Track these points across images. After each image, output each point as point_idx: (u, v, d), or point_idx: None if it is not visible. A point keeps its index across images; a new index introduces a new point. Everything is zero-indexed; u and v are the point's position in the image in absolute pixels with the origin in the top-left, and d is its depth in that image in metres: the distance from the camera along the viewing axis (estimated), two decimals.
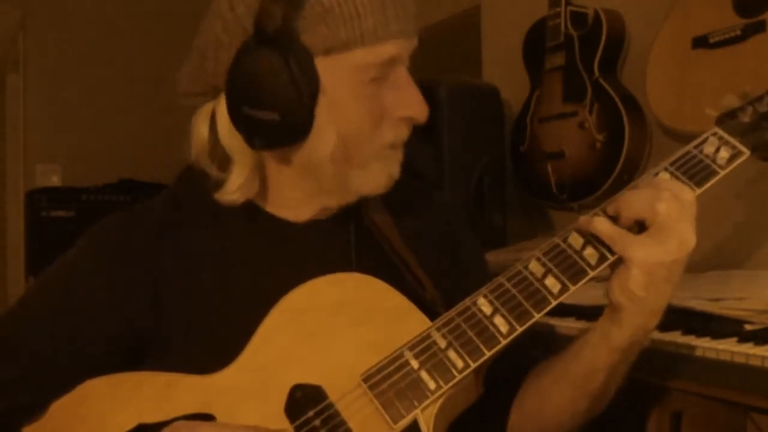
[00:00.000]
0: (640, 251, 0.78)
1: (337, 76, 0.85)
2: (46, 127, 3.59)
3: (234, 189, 0.91)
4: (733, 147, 0.87)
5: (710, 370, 1.03)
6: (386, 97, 0.88)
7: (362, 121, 0.87)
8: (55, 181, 3.57)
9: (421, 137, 1.98)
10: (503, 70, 2.24)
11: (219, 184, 0.91)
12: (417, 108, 0.88)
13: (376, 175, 0.90)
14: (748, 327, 1.07)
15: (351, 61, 0.84)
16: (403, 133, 0.91)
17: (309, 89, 0.84)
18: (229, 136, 0.89)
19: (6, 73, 3.71)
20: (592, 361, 0.86)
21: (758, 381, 0.97)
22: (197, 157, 0.92)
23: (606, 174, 1.78)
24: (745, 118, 0.91)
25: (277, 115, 0.84)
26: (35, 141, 3.60)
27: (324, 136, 0.87)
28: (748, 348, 0.99)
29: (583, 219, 0.83)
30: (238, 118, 0.86)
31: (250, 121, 0.85)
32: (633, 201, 0.81)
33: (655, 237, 0.78)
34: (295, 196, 0.94)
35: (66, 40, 3.61)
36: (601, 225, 0.81)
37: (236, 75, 0.85)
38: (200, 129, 0.92)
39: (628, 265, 0.79)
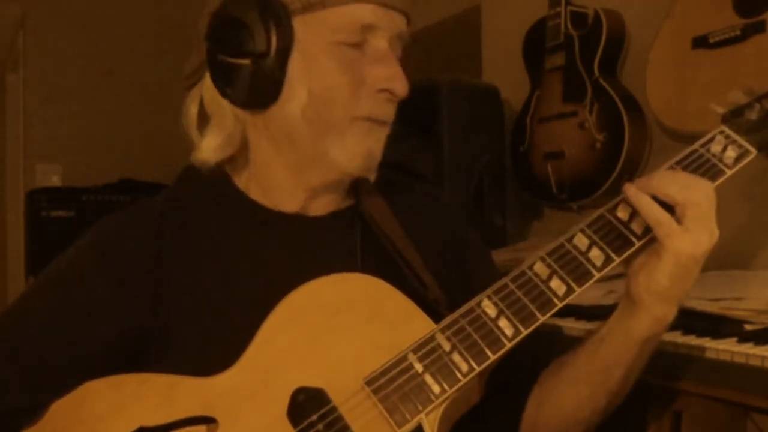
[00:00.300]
0: (679, 240, 0.79)
1: (314, 34, 0.87)
2: (46, 127, 3.58)
3: (208, 149, 0.94)
4: (740, 146, 0.87)
5: (710, 370, 1.03)
6: (366, 69, 0.88)
7: (336, 83, 0.88)
8: (55, 181, 3.57)
9: (421, 137, 2.00)
10: (503, 70, 2.24)
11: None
12: (396, 82, 0.89)
13: (353, 148, 0.89)
14: (748, 327, 1.07)
15: (327, 20, 0.86)
16: (383, 108, 0.90)
17: (282, 41, 0.86)
18: (210, 97, 0.93)
19: (6, 73, 3.72)
20: (610, 357, 0.86)
21: (758, 381, 0.97)
22: (186, 129, 0.96)
23: (606, 174, 1.78)
24: (752, 115, 0.90)
25: (249, 61, 0.86)
26: (35, 141, 3.60)
27: (296, 93, 0.88)
28: (748, 348, 0.99)
29: (632, 191, 0.82)
30: (214, 67, 0.90)
31: (225, 69, 0.88)
32: (673, 183, 0.81)
33: (692, 227, 0.79)
34: (283, 178, 0.94)
35: (66, 40, 3.61)
36: (652, 207, 0.80)
37: (215, 22, 0.88)
38: (190, 106, 0.95)
39: (662, 254, 0.79)
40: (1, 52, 3.72)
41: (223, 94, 0.90)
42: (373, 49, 0.89)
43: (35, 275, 3.15)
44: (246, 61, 0.86)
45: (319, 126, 0.89)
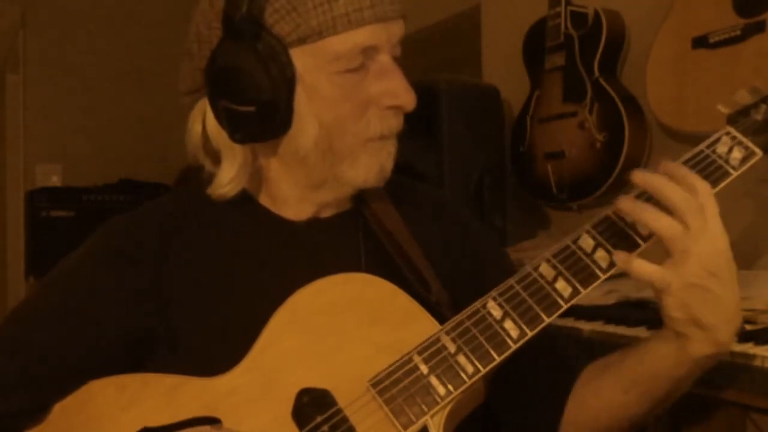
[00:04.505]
0: (673, 282, 0.77)
1: (315, 65, 0.85)
2: (46, 127, 3.59)
3: (224, 183, 0.91)
4: (746, 147, 0.86)
5: (710, 370, 1.03)
6: (371, 87, 0.87)
7: (343, 112, 0.86)
8: (55, 181, 3.57)
9: (421, 137, 2.00)
10: (503, 70, 2.24)
11: (212, 179, 0.92)
12: (403, 96, 0.87)
13: (366, 167, 0.89)
14: (748, 327, 1.08)
15: (327, 49, 0.84)
16: (392, 123, 0.89)
17: (283, 80, 0.84)
18: (216, 131, 0.90)
19: (6, 73, 3.71)
20: (657, 369, 0.85)
21: (758, 381, 0.97)
22: (192, 152, 0.93)
23: (606, 174, 1.79)
24: (758, 116, 0.89)
25: (254, 107, 0.84)
26: (35, 141, 3.60)
27: (306, 126, 0.87)
28: (748, 348, 1.00)
29: (621, 257, 0.80)
30: (219, 114, 0.87)
31: (230, 115, 0.86)
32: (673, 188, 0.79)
33: (678, 263, 0.77)
34: (292, 192, 0.94)
35: (66, 40, 3.61)
36: (646, 268, 0.78)
37: (212, 70, 0.86)
38: (194, 125, 0.93)
39: (663, 296, 0.79)
40: (1, 52, 3.72)
41: (233, 138, 0.87)
42: (376, 64, 0.87)
43: (35, 275, 3.15)
44: (250, 106, 0.84)
45: (334, 154, 0.88)
